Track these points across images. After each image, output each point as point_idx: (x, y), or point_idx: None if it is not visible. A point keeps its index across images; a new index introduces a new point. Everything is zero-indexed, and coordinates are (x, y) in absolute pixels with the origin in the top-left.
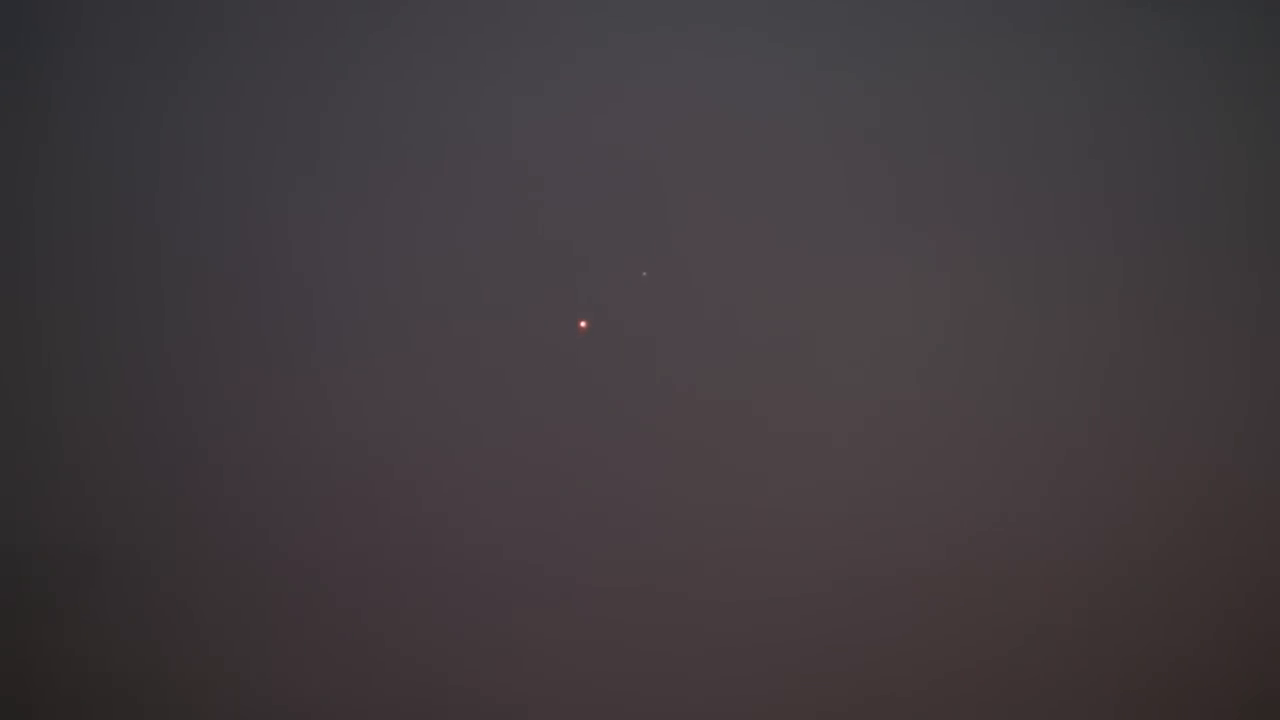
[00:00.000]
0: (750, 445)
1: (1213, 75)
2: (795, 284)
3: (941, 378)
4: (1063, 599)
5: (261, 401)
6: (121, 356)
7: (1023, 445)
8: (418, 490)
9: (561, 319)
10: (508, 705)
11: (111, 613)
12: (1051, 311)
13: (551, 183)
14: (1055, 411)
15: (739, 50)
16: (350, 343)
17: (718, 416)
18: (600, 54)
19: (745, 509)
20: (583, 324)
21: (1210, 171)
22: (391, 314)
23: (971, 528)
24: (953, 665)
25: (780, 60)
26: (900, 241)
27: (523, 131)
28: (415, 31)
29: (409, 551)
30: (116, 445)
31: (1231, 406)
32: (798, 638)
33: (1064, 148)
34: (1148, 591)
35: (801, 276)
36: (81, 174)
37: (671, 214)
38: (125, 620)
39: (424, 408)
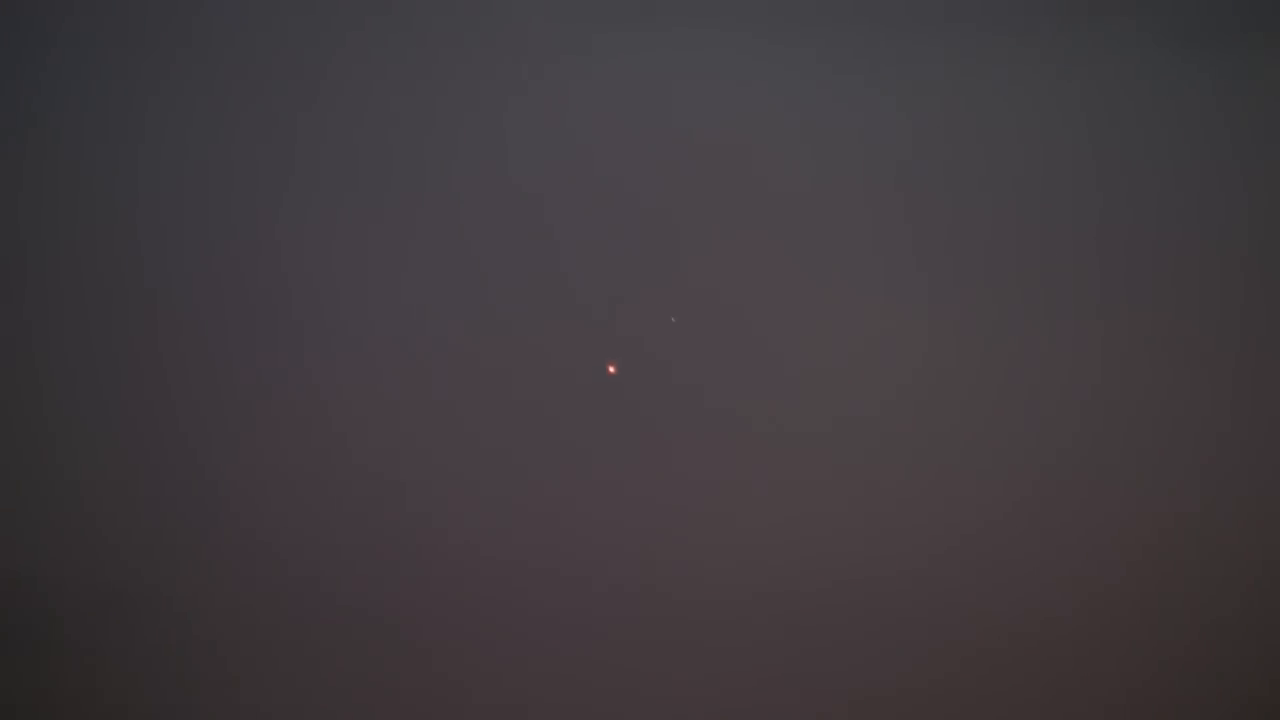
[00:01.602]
0: (752, 452)
1: (1224, 117)
2: (794, 297)
3: (943, 391)
4: (1057, 602)
5: (284, 442)
6: (141, 395)
7: (1021, 456)
8: (429, 510)
9: (565, 331)
10: None
11: (136, 649)
12: (1050, 326)
13: (561, 206)
14: (1054, 423)
15: (747, 77)
16: (353, 364)
17: (721, 427)
18: (614, 75)
19: (743, 516)
20: (612, 369)
21: (1217, 209)
22: (392, 332)
23: (972, 534)
24: (949, 666)
25: (787, 87)
26: (907, 264)
27: (535, 154)
28: (429, 50)
29: (429, 574)
30: (137, 485)
31: (1225, 418)
32: (798, 640)
33: (1066, 178)
34: (1141, 599)
35: (801, 290)
36: (79, 194)
37: (679, 232)
38: (150, 656)
39: (426, 425)
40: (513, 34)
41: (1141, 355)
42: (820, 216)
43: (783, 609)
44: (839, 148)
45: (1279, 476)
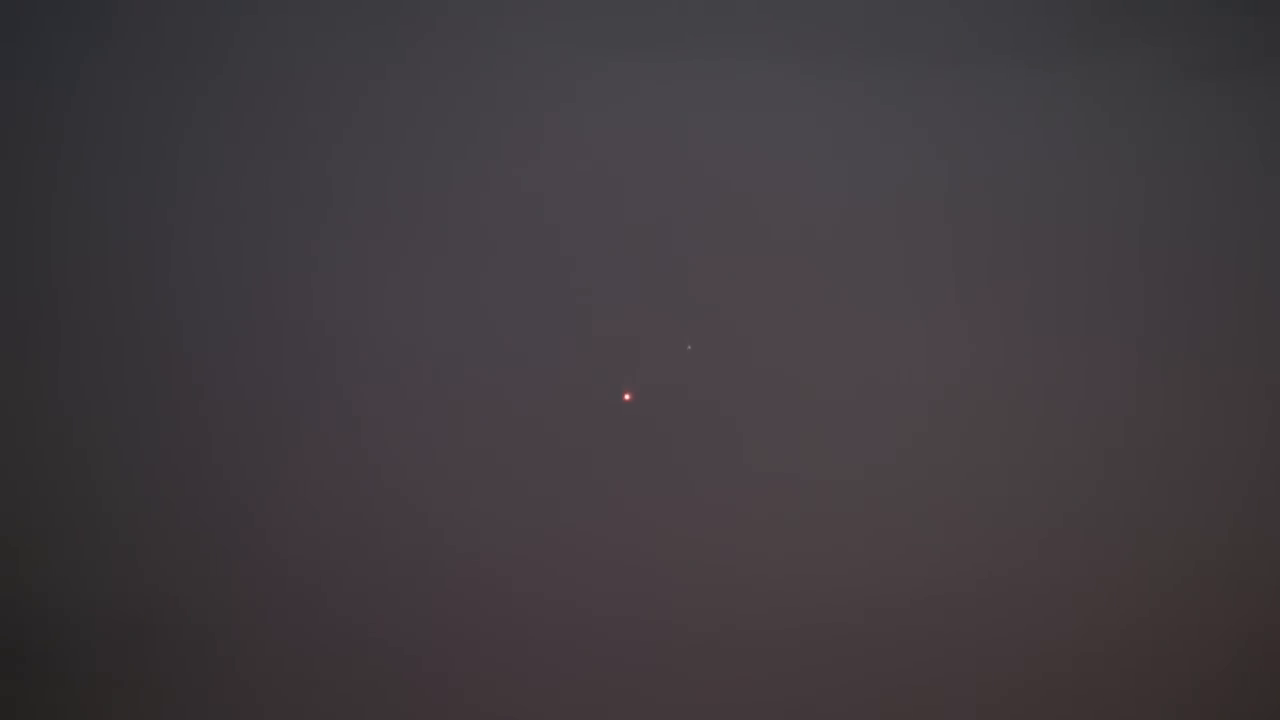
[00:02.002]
0: (763, 481)
1: (1263, 146)
2: (815, 325)
3: (964, 419)
4: (1074, 626)
5: (311, 466)
6: (165, 418)
7: (1034, 482)
8: (462, 542)
9: (583, 355)
10: None
11: (168, 678)
12: (1068, 351)
13: (574, 236)
14: (1067, 448)
15: (765, 104)
16: (384, 400)
17: (740, 459)
18: (638, 104)
19: (757, 545)
20: (627, 396)
21: (1260, 245)
22: (427, 372)
23: (986, 561)
24: (964, 691)
25: (816, 118)
26: (928, 291)
27: (549, 178)
28: (451, 81)
29: (463, 604)
30: (161, 506)
31: (1243, 442)
32: (808, 668)
33: (1100, 212)
34: (1158, 627)
35: (821, 317)
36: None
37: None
38: (182, 685)
39: (460, 459)
40: (543, 67)
41: (1156, 375)
42: (847, 244)
43: (795, 639)
44: (865, 175)
45: None
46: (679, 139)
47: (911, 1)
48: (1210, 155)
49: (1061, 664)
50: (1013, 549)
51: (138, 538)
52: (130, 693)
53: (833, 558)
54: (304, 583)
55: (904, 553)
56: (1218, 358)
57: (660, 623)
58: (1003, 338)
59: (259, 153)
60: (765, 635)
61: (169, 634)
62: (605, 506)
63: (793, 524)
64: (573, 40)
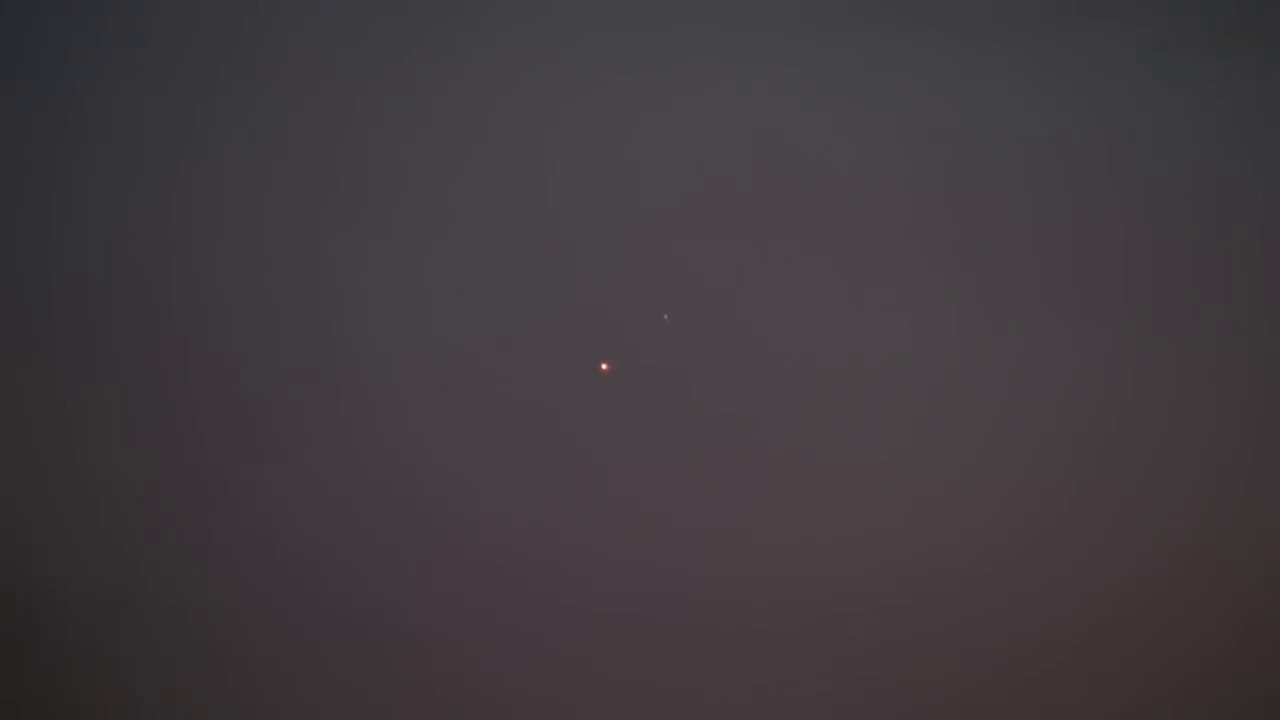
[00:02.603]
0: (768, 471)
1: (1236, 120)
2: (812, 312)
3: (961, 404)
4: (1072, 619)
5: (285, 442)
6: (150, 404)
7: (1036, 471)
8: (444, 524)
9: (583, 347)
10: None
11: (143, 651)
12: (1061, 337)
13: (575, 218)
14: (1067, 436)
15: (769, 92)
16: (372, 381)
17: (739, 440)
18: (627, 87)
19: (756, 535)
20: (604, 366)
21: (1239, 214)
22: (414, 353)
23: (987, 549)
24: (968, 686)
25: (807, 101)
26: (930, 280)
27: (550, 162)
28: (442, 64)
29: (438, 587)
30: (144, 490)
31: (1241, 429)
32: (806, 661)
33: (1085, 189)
34: (1158, 618)
35: (817, 305)
36: (103, 213)
37: (687, 240)
38: (156, 659)
39: (446, 442)
40: (533, 45)
41: (1158, 359)
42: (848, 226)
43: (798, 625)
44: (861, 155)
45: None
46: (672, 125)
47: None
48: (1188, 132)
49: (1070, 646)
50: (1021, 533)
51: (114, 513)
52: (103, 667)
53: (836, 545)
54: (278, 559)
55: (908, 538)
56: (1203, 334)
57: (656, 609)
58: (987, 318)
59: (258, 142)
60: (763, 625)
61: (142, 609)
62: (606, 494)
63: (795, 509)
64: (566, 14)
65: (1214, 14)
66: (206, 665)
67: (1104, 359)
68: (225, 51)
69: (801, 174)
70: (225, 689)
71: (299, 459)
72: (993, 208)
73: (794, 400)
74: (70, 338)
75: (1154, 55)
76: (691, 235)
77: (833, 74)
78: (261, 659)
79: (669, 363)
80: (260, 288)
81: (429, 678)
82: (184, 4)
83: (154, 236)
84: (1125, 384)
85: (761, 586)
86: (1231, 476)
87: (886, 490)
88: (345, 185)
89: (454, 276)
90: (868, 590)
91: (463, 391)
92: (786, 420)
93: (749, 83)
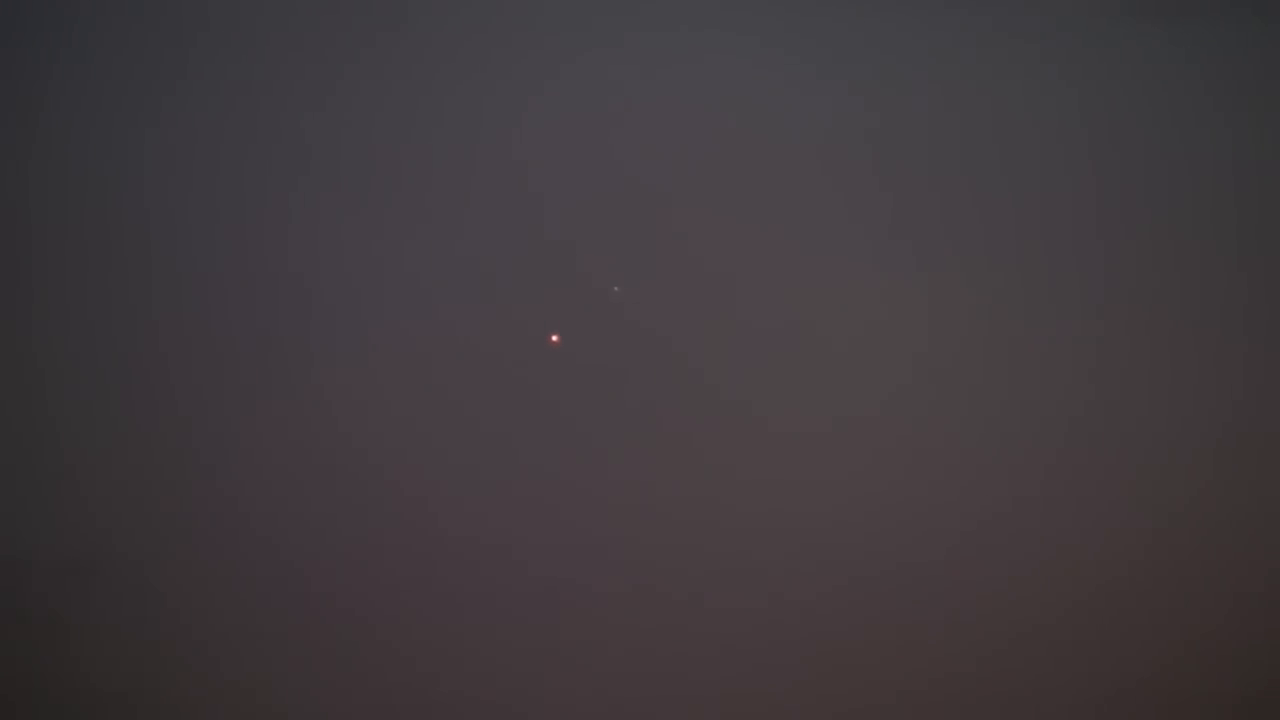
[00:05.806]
0: (752, 447)
1: (1209, 89)
2: (794, 287)
3: (939, 380)
4: (1058, 597)
5: (261, 409)
6: (121, 365)
7: (1017, 445)
8: (419, 494)
9: (561, 320)
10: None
11: (111, 621)
12: (1044, 314)
13: (552, 187)
14: (1049, 412)
15: (742, 60)
16: (349, 347)
17: (718, 420)
18: (602, 60)
19: (741, 509)
20: (555, 338)
21: (1205, 182)
22: (391, 317)
23: (969, 526)
24: (951, 664)
25: (781, 70)
26: (901, 249)
27: (526, 134)
28: (417, 34)
29: (409, 556)
30: (116, 455)
31: (1223, 410)
32: (800, 637)
33: (1057, 158)
34: (1142, 591)
35: (800, 280)
36: (79, 178)
37: (668, 214)
38: (125, 628)
39: (423, 410)
40: (518, 25)
41: (1146, 355)
42: (830, 206)
43: (791, 610)
44: (841, 136)
45: None
46: (664, 97)
47: None
48: (1155, 99)
49: (1068, 626)
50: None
51: (81, 476)
52: (69, 632)
53: (821, 515)
54: (249, 523)
55: (894, 511)
56: (1183, 307)
57: (649, 589)
58: (957, 293)
59: (236, 111)
60: (755, 602)
61: (108, 572)
62: (590, 470)
63: (784, 483)
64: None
65: None
66: (179, 636)
67: (1098, 330)
68: (190, 36)
69: (770, 144)
70: (202, 658)
71: (276, 428)
72: (964, 177)
73: (781, 372)
74: (46, 306)
75: (1117, 20)
76: (675, 207)
77: (801, 43)
78: (236, 629)
79: (657, 337)
80: (230, 255)
81: (405, 647)
82: None
83: (126, 208)
84: (1107, 361)
85: (753, 564)
86: (1233, 466)
87: (881, 475)
88: (316, 159)
89: (435, 249)
90: (861, 562)
91: (443, 364)
92: (774, 393)
93: (727, 55)
